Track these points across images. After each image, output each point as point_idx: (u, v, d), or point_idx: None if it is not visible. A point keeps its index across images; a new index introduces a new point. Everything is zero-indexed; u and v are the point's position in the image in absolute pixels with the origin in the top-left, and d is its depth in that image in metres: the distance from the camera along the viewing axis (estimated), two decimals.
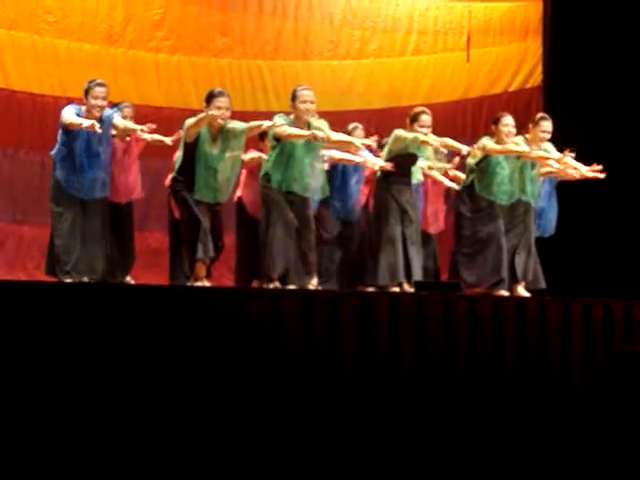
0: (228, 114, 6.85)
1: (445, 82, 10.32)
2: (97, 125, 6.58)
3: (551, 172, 7.88)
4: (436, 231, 8.43)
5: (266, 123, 6.91)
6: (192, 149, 6.81)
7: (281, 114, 7.09)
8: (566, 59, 10.02)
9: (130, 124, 7.16)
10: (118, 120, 7.00)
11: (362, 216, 8.08)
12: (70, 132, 6.77)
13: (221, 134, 6.83)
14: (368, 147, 7.71)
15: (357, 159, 7.72)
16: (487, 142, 7.63)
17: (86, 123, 6.53)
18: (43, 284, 5.44)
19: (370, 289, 7.58)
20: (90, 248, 6.89)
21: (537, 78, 10.29)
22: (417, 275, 7.52)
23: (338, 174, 7.77)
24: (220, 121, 6.77)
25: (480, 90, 10.33)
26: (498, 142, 7.60)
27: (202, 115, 6.74)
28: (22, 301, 4.80)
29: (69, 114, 6.76)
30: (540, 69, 10.27)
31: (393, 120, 8.48)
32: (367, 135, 7.97)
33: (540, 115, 7.93)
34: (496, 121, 7.70)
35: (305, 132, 6.90)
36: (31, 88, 9.14)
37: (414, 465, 5.49)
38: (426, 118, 7.61)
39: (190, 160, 6.81)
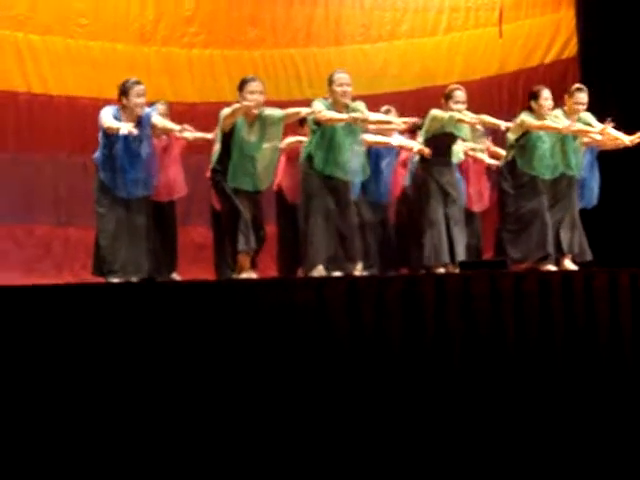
0: (262, 98, 6.86)
1: (479, 58, 10.24)
2: (133, 128, 6.61)
3: (592, 142, 7.80)
4: (480, 209, 8.40)
5: (304, 110, 6.93)
6: (229, 138, 6.84)
7: (319, 98, 7.10)
8: (600, 28, 9.87)
9: (168, 123, 7.19)
10: (157, 119, 7.03)
11: (402, 199, 8.07)
12: (109, 134, 6.81)
13: (258, 121, 6.85)
14: (403, 130, 7.68)
15: (392, 141, 7.71)
16: (526, 117, 7.57)
17: (124, 128, 6.56)
18: (90, 286, 5.48)
19: (414, 271, 7.58)
20: (135, 247, 6.92)
21: (572, 49, 10.16)
22: (461, 256, 7.50)
23: (371, 157, 7.75)
24: (255, 110, 6.78)
25: (515, 64, 10.23)
26: (538, 117, 7.54)
27: (237, 105, 6.75)
28: (69, 304, 4.86)
29: (107, 117, 6.80)
30: (575, 40, 10.14)
31: (429, 100, 8.43)
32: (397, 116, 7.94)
33: (575, 86, 7.87)
34: (534, 96, 7.64)
35: (344, 115, 6.91)
36: (68, 91, 9.23)
37: (474, 444, 5.48)
38: (460, 94, 7.57)
39: (228, 150, 6.84)
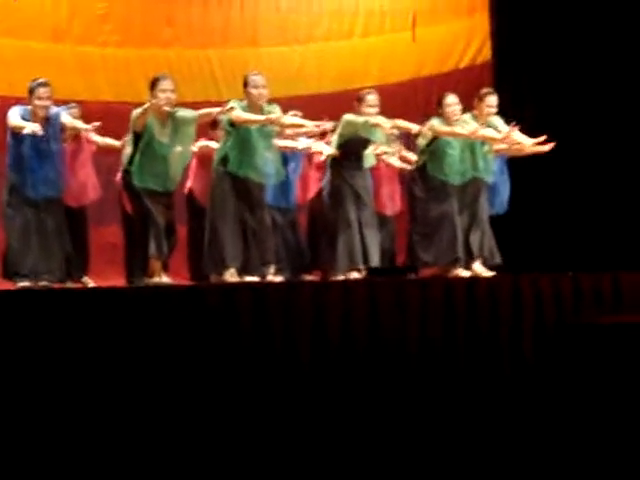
0: (174, 97, 6.82)
1: (395, 62, 10.33)
2: (39, 128, 6.55)
3: (502, 148, 7.93)
4: (393, 212, 8.47)
5: (216, 110, 6.91)
6: (141, 139, 6.79)
7: (235, 100, 7.09)
8: (514, 33, 10.03)
9: (78, 123, 7.14)
10: (65, 118, 6.97)
11: (316, 202, 8.12)
12: (17, 134, 6.73)
13: (170, 122, 6.81)
14: (315, 133, 7.72)
15: (300, 146, 7.74)
16: (436, 123, 7.67)
17: (29, 128, 6.50)
18: None
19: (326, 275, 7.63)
20: (46, 250, 6.85)
21: (486, 54, 10.28)
22: (374, 260, 7.56)
23: None
24: (167, 108, 6.74)
25: (430, 69, 10.34)
26: (447, 122, 7.64)
27: (148, 104, 6.72)
28: None
29: (14, 117, 6.73)
30: (489, 45, 10.27)
31: (345, 103, 8.46)
32: (313, 119, 7.96)
33: (485, 90, 7.98)
34: (440, 103, 7.74)
35: (260, 117, 6.92)
36: None
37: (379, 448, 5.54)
38: (372, 98, 7.61)
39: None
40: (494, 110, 7.80)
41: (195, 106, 7.33)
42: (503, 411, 5.92)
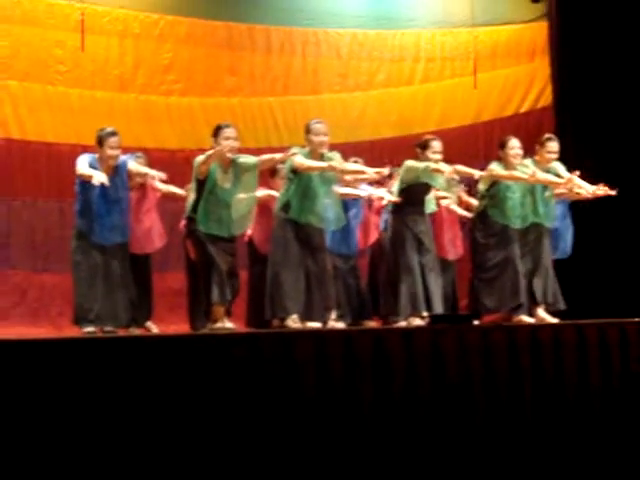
0: (236, 145, 6.91)
1: (455, 108, 10.40)
2: (106, 178, 6.66)
3: (563, 193, 7.88)
4: (455, 257, 8.45)
5: (278, 155, 6.97)
6: (204, 186, 6.87)
7: (296, 147, 7.15)
8: (575, 77, 10.01)
9: (143, 168, 7.24)
10: (132, 165, 7.09)
11: (376, 248, 8.14)
12: (85, 182, 6.84)
13: (232, 168, 6.89)
14: (374, 180, 7.75)
15: (362, 193, 7.77)
16: (495, 167, 7.65)
17: (96, 178, 6.62)
18: (61, 340, 5.45)
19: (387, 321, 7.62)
20: (112, 295, 6.94)
21: (547, 98, 10.31)
22: (437, 305, 7.52)
23: None
24: (229, 154, 6.83)
25: (491, 114, 10.39)
26: (506, 166, 7.63)
27: (211, 151, 6.81)
28: (40, 357, 4.84)
29: (82, 165, 6.86)
30: (550, 89, 10.30)
31: (405, 149, 8.52)
32: (373, 165, 8.00)
33: (546, 136, 7.95)
34: (502, 145, 7.73)
35: (323, 163, 6.97)
36: (46, 138, 9.30)
37: None
38: (437, 144, 7.62)
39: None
40: (555, 156, 7.76)
41: (258, 152, 7.44)
42: (570, 459, 5.84)
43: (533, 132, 9.67)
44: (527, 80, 10.39)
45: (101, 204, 6.87)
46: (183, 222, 7.33)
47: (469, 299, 7.98)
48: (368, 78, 10.38)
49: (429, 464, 5.51)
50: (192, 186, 7.05)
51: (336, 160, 7.06)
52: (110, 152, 6.92)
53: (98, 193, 6.82)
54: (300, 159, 6.95)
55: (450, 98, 10.41)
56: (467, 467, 5.62)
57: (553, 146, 7.77)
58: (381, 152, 9.64)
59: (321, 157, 7.09)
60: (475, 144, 10.18)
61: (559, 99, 10.18)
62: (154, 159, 8.69)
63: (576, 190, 7.72)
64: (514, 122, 10.18)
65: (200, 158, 6.89)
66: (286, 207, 7.04)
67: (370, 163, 8.27)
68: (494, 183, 7.66)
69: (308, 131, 7.14)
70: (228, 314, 7.01)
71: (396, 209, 7.67)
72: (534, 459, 5.81)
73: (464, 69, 10.37)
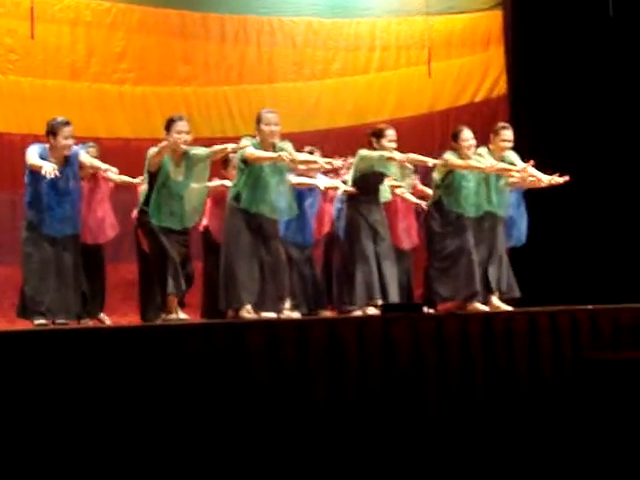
0: (189, 138, 6.85)
1: (410, 97, 10.40)
2: (55, 169, 6.56)
3: (517, 182, 7.91)
4: (409, 247, 8.46)
5: (230, 146, 6.91)
6: (156, 178, 6.82)
7: (247, 137, 7.11)
8: (530, 66, 10.08)
9: (96, 162, 7.15)
10: (84, 157, 7.00)
11: (330, 237, 8.13)
12: (35, 172, 6.75)
13: (184, 160, 6.84)
14: (327, 170, 7.72)
15: (317, 183, 7.75)
16: (450, 157, 7.65)
17: (45, 167, 6.52)
18: (15, 332, 5.39)
19: (346, 309, 7.61)
20: (63, 288, 6.85)
21: (502, 87, 10.36)
22: (393, 293, 7.52)
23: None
24: (182, 146, 6.78)
25: (446, 103, 10.40)
26: (461, 157, 7.63)
27: (164, 143, 6.75)
28: None
29: (32, 155, 6.76)
30: (504, 78, 10.35)
31: (360, 137, 8.48)
32: (326, 157, 7.99)
33: (500, 124, 7.96)
34: (455, 137, 7.73)
35: (272, 154, 6.93)
36: None
37: None
38: (391, 133, 7.61)
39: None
40: (510, 144, 7.77)
41: (212, 142, 7.40)
42: (520, 446, 5.86)
43: (488, 121, 9.68)
44: (482, 69, 10.41)
45: (51, 195, 6.78)
46: (135, 214, 7.28)
47: (424, 288, 7.99)
48: (323, 67, 10.35)
49: (381, 453, 5.51)
50: (144, 177, 6.99)
51: (287, 150, 7.02)
52: (64, 142, 6.82)
53: (48, 184, 6.72)
54: (250, 150, 6.91)
55: (405, 87, 10.41)
56: (419, 455, 5.62)
57: (507, 134, 7.78)
58: (337, 141, 9.60)
59: (272, 147, 7.05)
60: (431, 133, 10.19)
61: (514, 88, 10.24)
62: (107, 148, 8.61)
63: (530, 179, 7.74)
64: (469, 111, 10.19)
65: (152, 151, 6.83)
66: (238, 197, 7.00)
67: (326, 152, 8.25)
68: (449, 172, 7.66)
69: (259, 120, 7.09)
70: (182, 305, 6.96)
71: (351, 198, 7.66)
72: (485, 447, 5.83)
73: (419, 58, 10.36)
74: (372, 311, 7.37)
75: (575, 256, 9.17)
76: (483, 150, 7.73)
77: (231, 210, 7.04)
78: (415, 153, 7.72)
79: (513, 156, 7.80)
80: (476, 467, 5.72)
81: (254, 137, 7.10)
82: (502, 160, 7.72)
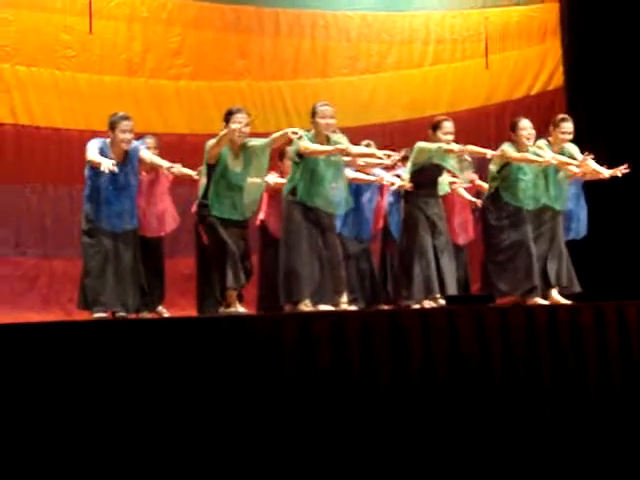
0: (247, 130, 6.87)
1: (466, 90, 10.33)
2: (114, 165, 6.58)
3: (576, 175, 7.81)
4: (465, 242, 8.40)
5: (289, 130, 6.82)
6: (215, 170, 6.83)
7: (302, 129, 7.06)
8: (586, 58, 9.96)
9: (156, 159, 7.12)
10: (145, 153, 7.01)
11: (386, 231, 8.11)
12: (95, 167, 6.78)
13: (243, 152, 6.85)
14: (388, 165, 7.67)
15: (372, 178, 7.70)
16: (507, 149, 7.58)
17: (104, 164, 6.54)
18: (74, 323, 5.43)
19: (403, 303, 7.57)
20: (122, 281, 6.88)
21: (559, 79, 10.25)
22: (451, 288, 7.45)
23: (351, 193, 7.70)
24: (239, 137, 6.77)
25: (502, 95, 10.32)
26: (519, 148, 7.55)
27: (222, 133, 6.75)
28: (54, 341, 4.82)
29: (92, 151, 6.79)
30: (561, 70, 10.24)
31: (416, 131, 8.47)
32: (385, 148, 7.92)
33: (560, 116, 7.88)
34: (513, 127, 7.65)
35: (327, 147, 6.91)
36: (55, 123, 9.23)
37: None
38: (448, 125, 7.53)
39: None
40: (569, 136, 7.69)
41: (267, 136, 7.35)
42: (591, 439, 5.79)
43: (545, 114, 9.60)
44: (538, 61, 10.32)
45: (110, 190, 6.82)
46: (194, 208, 7.29)
47: (482, 282, 7.92)
48: (378, 61, 10.30)
49: (446, 445, 5.47)
50: (203, 170, 7.00)
51: (343, 143, 6.99)
52: (122, 136, 6.86)
53: (107, 179, 6.76)
54: (305, 143, 6.88)
55: (461, 80, 10.34)
56: (483, 448, 5.57)
57: (567, 126, 7.70)
58: (392, 135, 9.58)
59: (327, 140, 7.02)
60: (486, 126, 10.10)
61: (570, 80, 10.13)
62: (163, 144, 8.59)
63: (590, 172, 7.65)
64: (525, 104, 10.10)
65: (211, 142, 6.84)
66: (294, 191, 6.99)
67: (381, 146, 8.21)
68: (506, 164, 7.59)
69: (314, 114, 7.07)
70: (240, 299, 6.96)
71: (409, 192, 7.59)
72: (553, 439, 5.76)
73: (475, 51, 10.30)
74: (430, 305, 7.32)
75: (636, 248, 9.04)
76: (542, 142, 7.65)
77: (288, 204, 7.02)
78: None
79: (573, 149, 7.71)
80: (541, 456, 5.65)
81: (309, 131, 7.07)
82: (561, 152, 7.65)
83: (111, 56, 9.46)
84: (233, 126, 6.75)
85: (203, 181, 6.98)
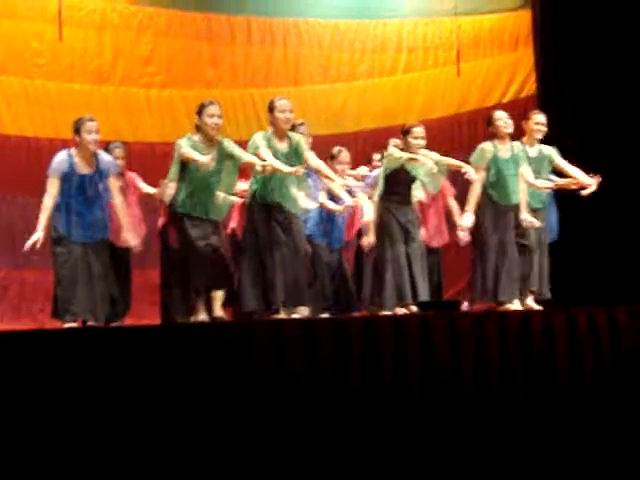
0: (221, 122, 6.71)
1: (438, 97, 10.34)
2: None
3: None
4: (439, 244, 8.34)
5: (259, 163, 6.66)
6: (187, 167, 6.68)
7: (260, 133, 6.96)
8: (559, 66, 9.95)
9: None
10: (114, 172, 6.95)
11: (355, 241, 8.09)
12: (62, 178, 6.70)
13: (218, 149, 6.70)
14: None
15: (338, 208, 7.55)
16: (392, 150, 7.57)
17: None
18: (43, 331, 5.38)
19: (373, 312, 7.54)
20: (93, 291, 6.79)
21: (531, 87, 10.26)
22: (423, 295, 7.42)
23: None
24: (213, 130, 6.64)
25: (474, 103, 10.32)
26: (500, 140, 7.53)
27: (198, 159, 6.48)
28: (23, 350, 4.78)
29: (54, 169, 6.73)
30: (533, 78, 10.24)
31: (387, 139, 8.43)
32: (357, 156, 7.91)
33: (533, 111, 7.92)
34: (489, 121, 7.65)
35: (287, 168, 6.68)
36: (25, 132, 9.18)
37: None
38: (418, 130, 7.47)
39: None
40: (543, 128, 7.71)
41: (239, 144, 7.28)
42: (563, 445, 5.78)
43: (517, 121, 9.58)
44: (510, 69, 10.34)
45: (80, 201, 6.74)
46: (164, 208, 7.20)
47: (467, 284, 7.89)
48: (350, 69, 10.31)
49: (420, 447, 5.45)
50: (173, 170, 6.81)
51: (300, 144, 6.90)
52: (88, 137, 6.73)
53: (77, 190, 6.69)
54: (269, 164, 6.60)
55: (433, 88, 10.35)
56: (458, 454, 5.55)
57: (540, 118, 7.74)
58: (364, 143, 9.55)
59: (287, 137, 6.91)
60: (459, 134, 10.12)
61: (543, 88, 10.12)
62: (134, 153, 8.59)
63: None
64: None
65: (186, 149, 6.61)
66: (253, 192, 6.90)
67: (354, 155, 8.21)
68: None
69: (272, 109, 6.95)
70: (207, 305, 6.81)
71: (381, 199, 7.56)
72: (526, 446, 5.75)
73: (447, 59, 10.31)
74: (402, 312, 7.28)
75: (607, 254, 9.06)
76: (517, 143, 7.64)
77: (250, 205, 6.93)
78: (442, 154, 7.63)
79: (552, 151, 7.72)
80: (515, 463, 5.64)
81: (267, 130, 6.96)
82: (540, 155, 7.64)
83: (81, 64, 9.43)
84: (207, 120, 6.60)
85: (170, 190, 6.84)
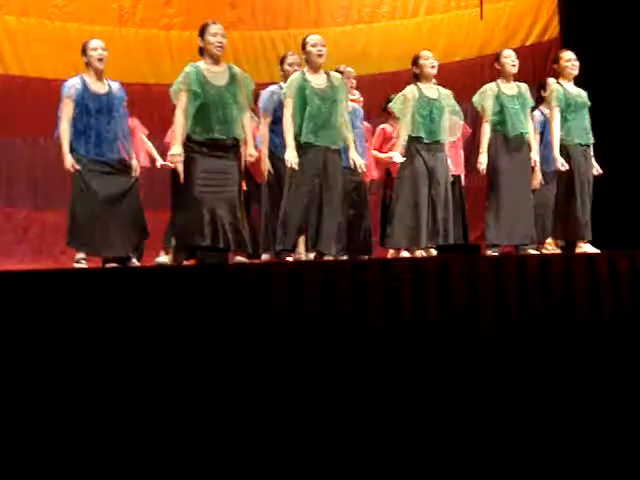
0: (225, 41, 6.44)
1: (460, 40, 10.23)
2: (73, 165, 6.59)
3: None
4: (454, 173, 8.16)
5: (254, 155, 6.54)
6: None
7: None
8: (582, 9, 9.84)
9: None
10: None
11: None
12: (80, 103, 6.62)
13: (228, 71, 6.42)
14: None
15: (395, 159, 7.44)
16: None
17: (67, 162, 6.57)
18: (56, 271, 5.40)
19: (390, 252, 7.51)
20: (110, 226, 6.67)
21: (554, 30, 10.14)
22: (448, 237, 7.29)
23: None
24: (217, 50, 6.35)
25: (497, 46, 10.11)
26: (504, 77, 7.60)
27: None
28: (39, 289, 4.78)
29: (67, 91, 6.71)
30: (556, 21, 10.12)
31: (407, 82, 8.36)
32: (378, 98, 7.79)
33: (560, 50, 7.89)
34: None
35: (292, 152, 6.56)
36: (45, 74, 9.16)
37: (454, 431, 5.42)
38: (426, 53, 7.55)
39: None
40: (577, 63, 7.71)
41: (259, 86, 7.27)
42: (582, 388, 5.78)
43: (539, 65, 9.54)
44: (533, 12, 10.20)
45: (98, 120, 6.63)
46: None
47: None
48: (372, 10, 10.22)
49: (438, 395, 5.46)
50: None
51: (339, 82, 6.81)
52: (94, 54, 6.67)
53: (93, 109, 6.62)
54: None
55: (455, 30, 10.24)
56: (476, 397, 5.56)
57: (570, 54, 7.73)
58: (385, 85, 9.47)
59: (321, 71, 6.76)
60: (480, 77, 9.94)
61: (566, 31, 10.00)
62: (154, 93, 8.57)
63: None
64: (520, 54, 9.73)
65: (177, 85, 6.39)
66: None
67: (373, 96, 8.15)
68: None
69: (304, 44, 6.81)
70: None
71: (410, 139, 7.43)
72: (544, 388, 5.76)
73: (469, 1, 10.17)
74: (421, 254, 7.25)
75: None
76: (552, 80, 7.69)
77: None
78: (465, 96, 7.56)
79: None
80: (533, 406, 5.65)
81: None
82: (576, 99, 7.67)
83: (102, 5, 9.40)
84: (212, 39, 6.32)
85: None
